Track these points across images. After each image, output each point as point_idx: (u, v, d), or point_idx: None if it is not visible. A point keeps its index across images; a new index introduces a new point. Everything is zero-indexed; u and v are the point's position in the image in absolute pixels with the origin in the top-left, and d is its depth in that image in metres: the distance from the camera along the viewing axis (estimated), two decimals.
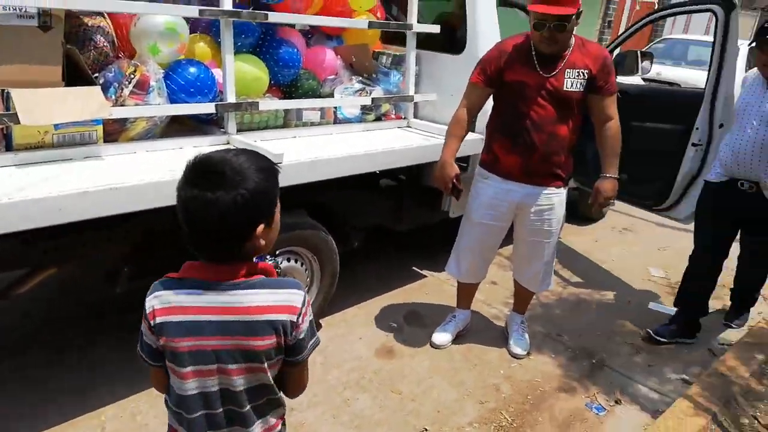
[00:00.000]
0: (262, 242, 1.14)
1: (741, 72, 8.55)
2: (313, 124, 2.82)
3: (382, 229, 3.57)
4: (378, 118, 3.16)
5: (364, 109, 3.05)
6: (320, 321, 2.98)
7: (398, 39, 3.28)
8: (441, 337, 3.00)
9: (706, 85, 3.20)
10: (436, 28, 3.13)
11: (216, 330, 1.12)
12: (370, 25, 2.92)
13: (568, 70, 2.42)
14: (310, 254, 2.79)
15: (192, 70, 2.33)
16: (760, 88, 2.77)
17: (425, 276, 3.74)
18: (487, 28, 3.16)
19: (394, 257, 3.93)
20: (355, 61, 3.03)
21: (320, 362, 2.73)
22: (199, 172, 1.09)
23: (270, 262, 1.25)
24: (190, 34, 2.42)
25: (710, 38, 3.31)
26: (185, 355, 1.14)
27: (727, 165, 2.86)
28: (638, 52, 3.70)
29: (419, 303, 3.41)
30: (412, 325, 3.17)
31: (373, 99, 2.94)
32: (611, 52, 4.01)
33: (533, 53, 2.43)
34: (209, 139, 2.43)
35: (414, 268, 3.83)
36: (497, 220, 2.71)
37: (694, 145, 3.26)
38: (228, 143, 2.45)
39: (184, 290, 1.14)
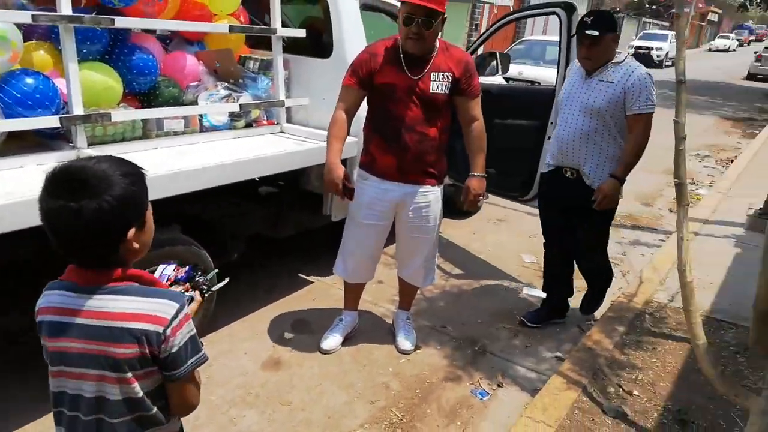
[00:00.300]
0: (136, 246, 1.13)
1: None
2: (176, 133, 2.68)
3: (266, 237, 3.49)
4: (249, 125, 3.08)
5: (233, 115, 2.95)
6: (201, 340, 2.83)
7: (266, 43, 3.22)
8: (329, 341, 2.98)
9: (556, 82, 3.45)
10: (301, 33, 3.11)
11: (80, 333, 1.11)
12: (231, 29, 2.83)
13: (434, 73, 2.51)
14: None
15: (29, 81, 2.12)
16: (580, 79, 2.90)
17: (312, 282, 3.71)
18: (352, 32, 3.19)
19: (280, 265, 3.85)
20: (220, 67, 2.92)
21: (203, 382, 2.59)
22: (59, 182, 1.05)
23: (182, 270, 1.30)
24: (26, 41, 2.20)
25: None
26: (54, 354, 1.15)
27: (554, 154, 3.03)
28: (497, 53, 3.92)
29: (307, 310, 3.37)
30: (300, 333, 3.12)
31: (241, 105, 2.86)
32: (471, 54, 4.22)
33: (401, 56, 2.50)
34: (55, 155, 2.22)
35: (300, 274, 3.78)
36: (379, 219, 2.75)
37: (549, 138, 3.51)
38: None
39: (58, 291, 1.14)
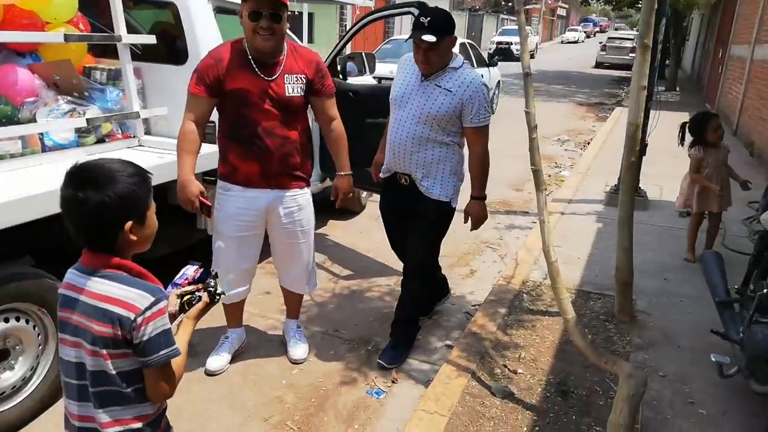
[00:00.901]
0: (133, 238, 1.31)
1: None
2: (13, 156, 2.39)
3: (139, 258, 3.23)
4: (101, 140, 2.83)
5: (80, 131, 2.69)
6: None
7: (115, 52, 2.97)
8: (215, 362, 2.82)
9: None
10: (151, 39, 2.90)
11: (78, 308, 1.30)
12: (67, 38, 2.57)
13: (287, 76, 2.46)
14: (36, 308, 2.36)
15: None
16: (415, 80, 2.67)
17: None
18: (207, 37, 3.04)
19: None
20: (59, 80, 2.65)
21: None
22: (74, 175, 1.26)
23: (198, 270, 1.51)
24: None
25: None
26: (60, 323, 1.35)
27: (388, 160, 2.83)
28: (363, 53, 3.93)
29: None
30: None
31: (88, 120, 2.61)
32: (337, 55, 4.20)
33: (250, 58, 2.41)
34: None
35: None
36: (249, 229, 2.64)
37: None
38: None
39: (73, 270, 1.34)
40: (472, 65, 9.91)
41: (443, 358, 2.97)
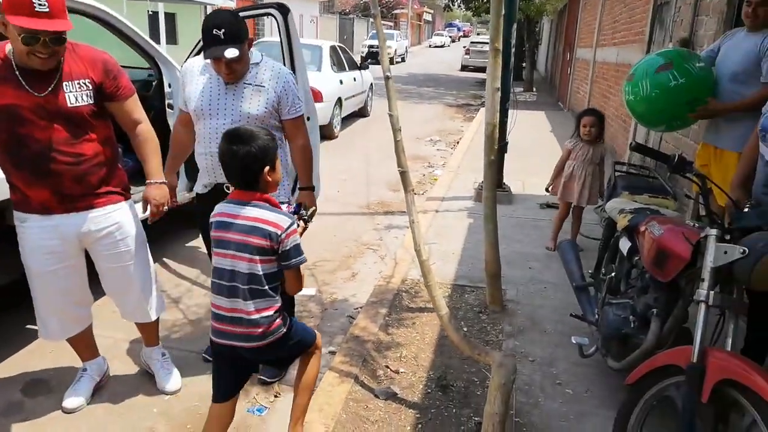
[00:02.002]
0: (269, 179, 1.94)
1: (328, 68, 9.74)
2: None
3: None
4: None
5: None
6: None
7: None
8: (73, 398, 2.55)
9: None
10: None
11: (234, 228, 1.90)
12: None
13: (67, 83, 2.13)
14: None
15: None
16: (218, 85, 2.49)
17: None
18: None
19: (4, 319, 3.19)
20: None
21: None
22: (229, 135, 1.91)
23: (292, 207, 2.26)
24: None
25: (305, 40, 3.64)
26: (215, 241, 1.95)
27: (210, 171, 2.61)
28: None
29: (42, 369, 2.83)
30: (35, 396, 2.62)
31: None
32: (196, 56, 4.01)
33: (17, 71, 2.06)
34: None
35: (29, 326, 3.17)
36: (60, 261, 2.32)
37: None
38: None
39: (225, 204, 1.97)
40: (344, 69, 9.98)
41: (326, 365, 2.93)
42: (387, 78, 2.52)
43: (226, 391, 2.08)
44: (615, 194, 3.19)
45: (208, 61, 2.45)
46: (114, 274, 2.46)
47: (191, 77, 2.54)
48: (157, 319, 2.71)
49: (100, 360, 2.72)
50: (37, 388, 2.68)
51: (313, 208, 2.38)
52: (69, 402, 2.53)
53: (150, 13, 11.58)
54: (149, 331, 2.74)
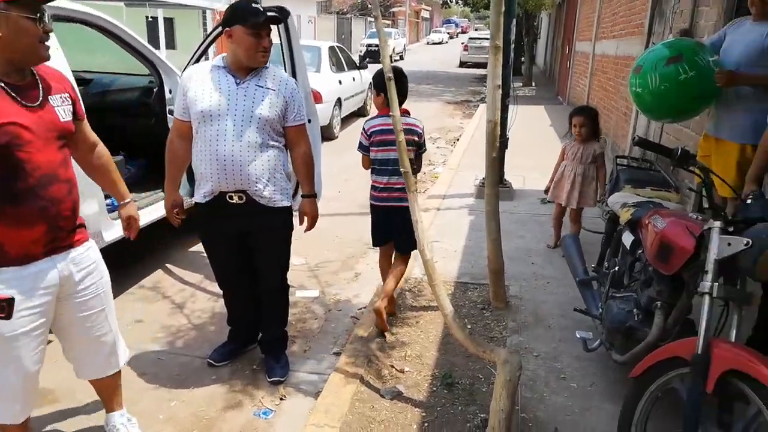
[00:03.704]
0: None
1: (327, 69, 9.73)
2: None
3: None
4: None
5: None
6: None
7: None
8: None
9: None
10: None
11: (391, 131, 2.72)
12: None
13: (51, 97, 1.90)
14: None
15: None
16: (229, 84, 2.45)
17: None
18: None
19: None
20: None
21: None
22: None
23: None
24: None
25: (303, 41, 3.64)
26: (374, 143, 3.09)
27: (212, 179, 2.52)
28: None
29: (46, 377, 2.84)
30: (41, 405, 2.62)
31: None
32: (197, 61, 4.01)
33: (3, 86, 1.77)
34: None
35: None
36: (39, 318, 1.91)
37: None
38: None
39: (380, 118, 3.07)
40: (343, 69, 9.98)
41: (332, 366, 2.93)
42: (389, 79, 2.52)
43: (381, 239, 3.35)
44: (617, 188, 3.18)
45: (216, 64, 2.49)
46: (88, 323, 2.11)
47: (197, 80, 2.47)
48: (120, 372, 2.36)
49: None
50: (41, 399, 2.69)
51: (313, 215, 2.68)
52: None
53: (149, 18, 11.60)
54: (113, 390, 2.37)
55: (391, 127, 2.60)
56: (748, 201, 2.00)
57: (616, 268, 2.82)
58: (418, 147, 3.09)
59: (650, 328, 2.30)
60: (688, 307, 2.26)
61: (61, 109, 1.93)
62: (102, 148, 2.23)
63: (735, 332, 1.90)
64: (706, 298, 1.87)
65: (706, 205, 2.04)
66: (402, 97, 2.84)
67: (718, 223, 1.91)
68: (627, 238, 2.72)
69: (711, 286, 1.87)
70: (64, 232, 1.95)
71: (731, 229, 1.91)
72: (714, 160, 3.12)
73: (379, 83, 3.03)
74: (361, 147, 3.15)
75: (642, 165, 3.73)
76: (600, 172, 4.20)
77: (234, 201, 2.52)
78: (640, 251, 2.58)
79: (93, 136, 2.19)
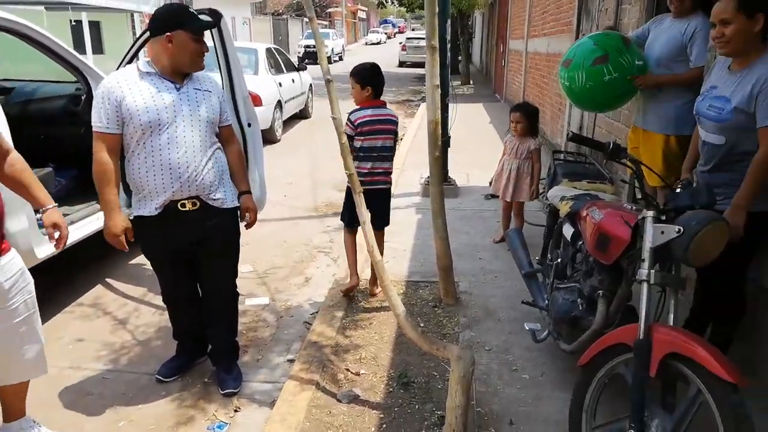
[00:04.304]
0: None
1: (265, 71, 9.59)
2: None
3: None
4: None
5: None
6: None
7: None
8: None
9: (222, 87, 3.41)
10: None
11: (379, 122, 3.31)
12: None
13: None
14: None
15: None
16: (170, 90, 2.40)
17: None
18: None
19: None
20: None
21: None
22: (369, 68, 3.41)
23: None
24: None
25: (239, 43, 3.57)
26: (363, 132, 3.30)
27: (164, 189, 2.45)
28: None
29: None
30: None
31: None
32: (126, 66, 3.88)
33: None
34: None
35: None
36: None
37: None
38: None
39: (369, 108, 3.34)
40: (282, 71, 9.86)
41: (286, 374, 2.89)
42: (328, 81, 2.51)
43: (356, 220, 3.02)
44: (555, 182, 3.29)
45: (141, 68, 2.38)
46: (18, 329, 2.08)
47: (130, 89, 2.33)
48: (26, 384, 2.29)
49: (19, 422, 2.33)
50: None
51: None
52: None
53: (73, 22, 11.05)
54: (21, 393, 2.30)
55: (379, 117, 3.27)
56: (678, 190, 2.11)
57: (559, 260, 2.91)
58: (395, 135, 3.42)
59: (594, 317, 2.39)
60: (628, 295, 2.36)
61: None
62: (17, 155, 2.11)
63: (673, 316, 2.00)
64: (644, 285, 1.96)
65: (639, 195, 2.13)
66: (380, 90, 3.39)
67: (651, 213, 2.00)
68: (567, 230, 2.82)
69: (648, 274, 1.96)
70: None
71: (664, 217, 2.01)
72: (642, 150, 3.28)
73: (364, 77, 3.35)
74: (347, 137, 3.02)
75: (578, 159, 3.88)
76: (534, 167, 4.32)
77: (186, 208, 2.45)
78: (580, 242, 2.68)
79: (5, 143, 2.08)
